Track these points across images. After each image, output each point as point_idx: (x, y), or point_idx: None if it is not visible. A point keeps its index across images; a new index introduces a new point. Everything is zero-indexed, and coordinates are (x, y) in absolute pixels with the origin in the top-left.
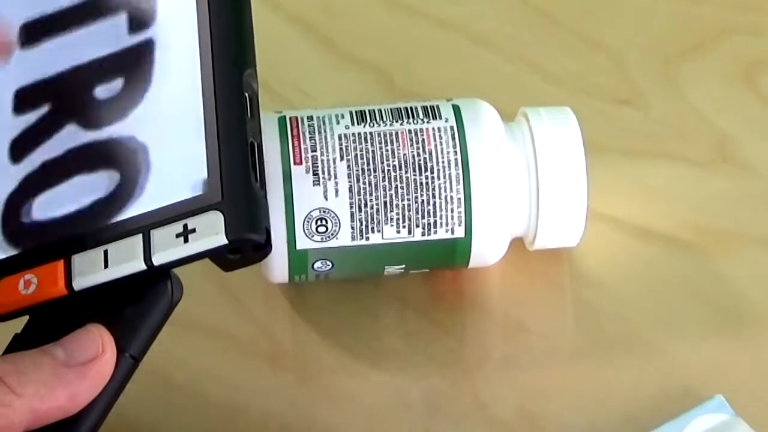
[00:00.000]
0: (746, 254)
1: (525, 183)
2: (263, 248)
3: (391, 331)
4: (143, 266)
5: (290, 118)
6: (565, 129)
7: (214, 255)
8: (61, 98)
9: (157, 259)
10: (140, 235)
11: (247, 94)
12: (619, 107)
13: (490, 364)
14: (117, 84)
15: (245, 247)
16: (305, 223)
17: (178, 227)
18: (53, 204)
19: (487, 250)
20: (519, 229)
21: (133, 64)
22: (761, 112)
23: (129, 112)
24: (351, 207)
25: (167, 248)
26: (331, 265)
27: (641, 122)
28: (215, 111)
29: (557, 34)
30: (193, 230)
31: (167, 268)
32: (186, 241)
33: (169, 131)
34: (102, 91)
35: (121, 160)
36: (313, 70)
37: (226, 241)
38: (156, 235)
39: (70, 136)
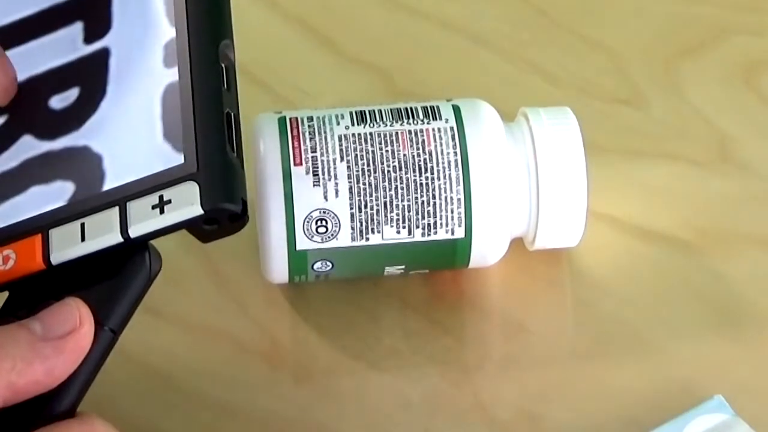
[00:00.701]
0: (746, 254)
1: (525, 183)
2: (240, 218)
3: (391, 331)
4: (120, 239)
5: (290, 119)
6: (565, 129)
7: (191, 226)
8: (17, 109)
9: (134, 231)
10: (116, 208)
11: (223, 65)
12: (619, 107)
13: (490, 364)
14: (72, 94)
15: (221, 217)
16: (305, 223)
17: (153, 199)
18: (10, 216)
19: (487, 251)
20: (519, 230)
21: (90, 72)
22: (761, 112)
23: (84, 121)
24: (351, 207)
25: (143, 220)
26: (331, 266)
27: (641, 122)
28: (190, 82)
29: (557, 34)
30: (169, 201)
31: (144, 240)
32: (162, 212)
33: (137, 117)
34: (57, 101)
35: (75, 171)
36: (313, 70)
37: (201, 212)
38: (132, 207)
39: (25, 148)
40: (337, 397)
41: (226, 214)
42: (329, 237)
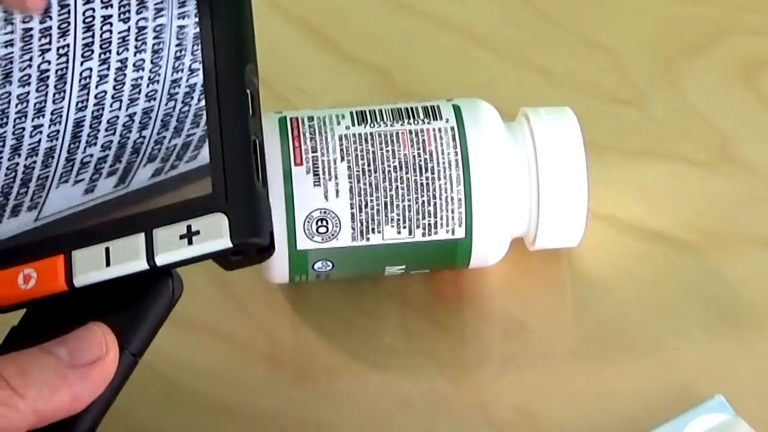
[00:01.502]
0: (746, 254)
1: (525, 183)
2: (267, 250)
3: (391, 331)
4: (146, 266)
5: (291, 119)
6: (566, 129)
7: (217, 256)
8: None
9: (160, 260)
10: (143, 234)
11: (249, 91)
12: (619, 107)
13: (491, 364)
14: None
15: (249, 249)
16: (306, 223)
17: (181, 228)
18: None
19: (487, 251)
20: (519, 230)
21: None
22: (761, 111)
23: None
24: (351, 207)
25: (171, 249)
26: (331, 266)
27: (641, 122)
28: (218, 109)
29: (557, 35)
30: (197, 232)
31: (169, 268)
32: (190, 243)
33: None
34: None
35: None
36: (314, 70)
37: (230, 245)
38: (159, 235)
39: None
40: (338, 397)
41: (254, 247)
42: (330, 237)
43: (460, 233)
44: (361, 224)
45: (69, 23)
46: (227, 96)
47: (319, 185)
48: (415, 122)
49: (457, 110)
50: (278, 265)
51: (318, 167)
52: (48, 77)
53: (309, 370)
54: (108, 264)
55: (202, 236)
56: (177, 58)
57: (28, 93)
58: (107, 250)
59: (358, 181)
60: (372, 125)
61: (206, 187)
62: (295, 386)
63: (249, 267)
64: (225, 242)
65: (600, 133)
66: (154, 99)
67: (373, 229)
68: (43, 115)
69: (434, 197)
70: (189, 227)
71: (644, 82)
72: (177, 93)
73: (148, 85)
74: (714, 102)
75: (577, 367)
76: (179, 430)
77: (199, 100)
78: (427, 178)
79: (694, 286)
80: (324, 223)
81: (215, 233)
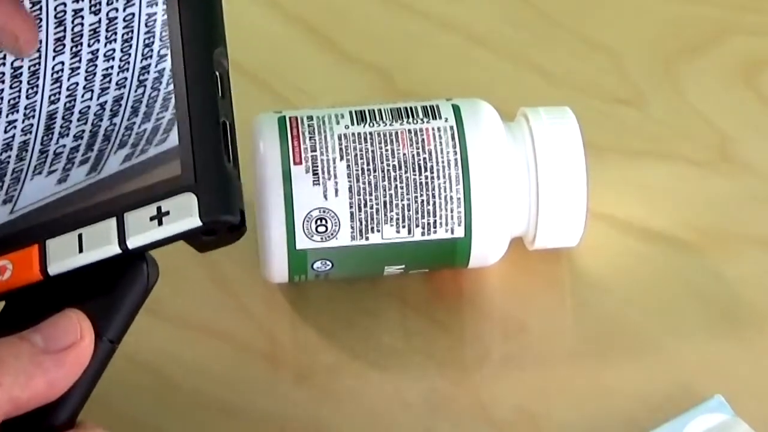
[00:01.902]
0: (746, 254)
1: (525, 183)
2: (238, 229)
3: (390, 330)
4: (118, 250)
5: (290, 118)
6: (565, 129)
7: (189, 237)
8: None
9: (132, 243)
10: (114, 219)
11: (217, 73)
12: (618, 107)
13: (490, 364)
14: None
15: (220, 228)
16: (305, 223)
17: (151, 210)
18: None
19: (486, 250)
20: (519, 229)
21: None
22: (761, 111)
23: None
24: (351, 207)
25: (142, 231)
26: (330, 265)
27: (641, 122)
28: (186, 91)
29: (557, 34)
30: (167, 213)
31: (142, 251)
32: (160, 223)
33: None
34: None
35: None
36: (313, 69)
37: (200, 223)
38: (130, 218)
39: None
40: (337, 397)
41: (224, 225)
42: (329, 236)
43: (459, 233)
44: (361, 223)
45: (41, 19)
46: (195, 78)
47: (319, 184)
48: (415, 122)
49: (456, 110)
50: (277, 265)
51: (317, 167)
52: (21, 74)
53: (308, 370)
54: (81, 250)
55: (172, 216)
56: (146, 45)
57: (1, 90)
58: (80, 236)
59: (358, 181)
60: (371, 125)
61: (176, 169)
62: (295, 385)
63: (249, 268)
64: (194, 221)
65: (600, 133)
66: (125, 87)
67: (372, 228)
68: (17, 111)
69: (433, 197)
70: (159, 208)
71: (644, 82)
72: (146, 79)
73: (118, 74)
74: (714, 102)
75: (576, 366)
76: (178, 429)
77: (167, 84)
78: (426, 178)
79: (694, 286)
80: (323, 222)
81: (185, 213)
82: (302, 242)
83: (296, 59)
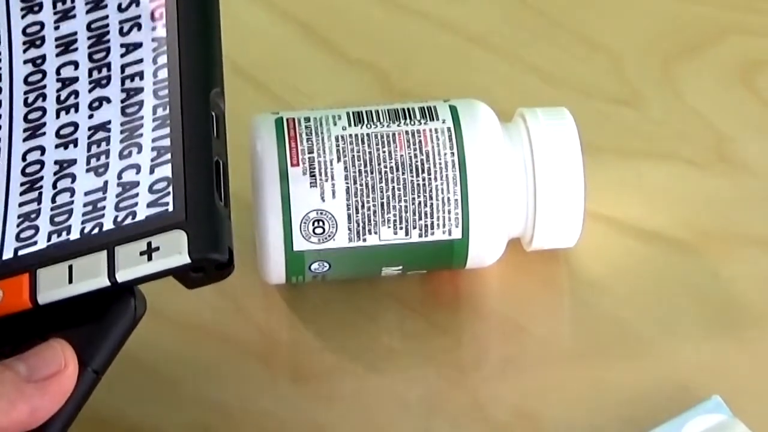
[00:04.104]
0: (743, 254)
1: (522, 184)
2: (226, 267)
3: (388, 331)
4: (107, 283)
5: (287, 119)
6: (562, 129)
7: (178, 273)
8: None
9: (121, 276)
10: (105, 252)
11: (213, 114)
12: (616, 107)
13: (488, 365)
14: None
15: (208, 266)
16: (302, 224)
17: (142, 245)
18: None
19: (484, 251)
20: (516, 230)
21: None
22: (759, 111)
23: None
24: (348, 208)
25: (131, 266)
26: (328, 267)
27: (639, 122)
28: (181, 130)
29: (555, 35)
30: (157, 248)
31: (131, 285)
32: (150, 259)
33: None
34: None
35: None
36: (310, 70)
37: (188, 260)
38: (120, 252)
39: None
40: (335, 398)
41: (212, 263)
42: (326, 238)
43: (456, 234)
44: (358, 225)
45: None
46: (191, 118)
47: (316, 186)
48: (412, 123)
49: (453, 111)
50: (275, 266)
51: (314, 168)
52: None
53: (306, 371)
54: (71, 281)
55: (162, 252)
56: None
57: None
58: (70, 267)
59: (355, 182)
60: (368, 126)
61: (167, 206)
62: (292, 387)
63: (248, 267)
64: (183, 258)
65: (598, 134)
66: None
67: (369, 230)
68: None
69: (431, 198)
70: (149, 244)
71: (642, 83)
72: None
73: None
74: (712, 102)
75: (574, 367)
76: (176, 429)
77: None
78: (423, 179)
79: (692, 287)
80: (320, 224)
81: (174, 249)
82: (299, 244)
83: (293, 60)
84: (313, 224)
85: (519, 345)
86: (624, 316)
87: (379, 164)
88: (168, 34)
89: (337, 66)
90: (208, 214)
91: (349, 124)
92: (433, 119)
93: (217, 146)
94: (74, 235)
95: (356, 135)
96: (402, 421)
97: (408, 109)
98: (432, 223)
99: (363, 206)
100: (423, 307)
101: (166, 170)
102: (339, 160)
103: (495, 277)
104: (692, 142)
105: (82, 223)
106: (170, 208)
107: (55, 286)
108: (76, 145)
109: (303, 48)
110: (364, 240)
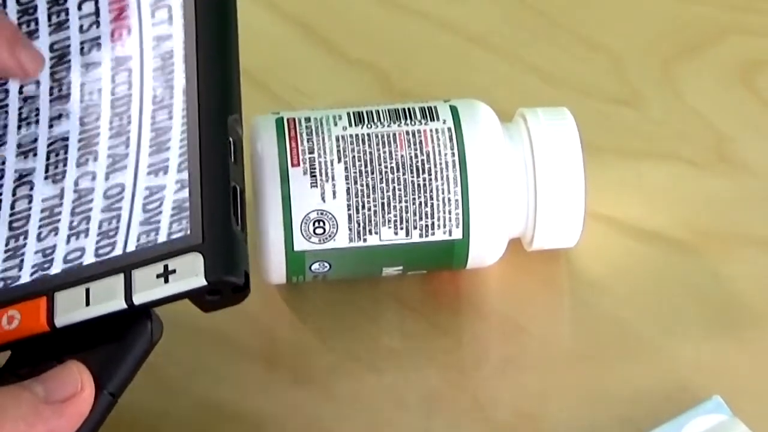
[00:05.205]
0: (743, 254)
1: (522, 184)
2: (242, 290)
3: (389, 332)
4: (124, 305)
5: (288, 119)
6: (563, 129)
7: (194, 296)
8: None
9: (138, 299)
10: (122, 275)
11: (231, 139)
12: (617, 108)
13: (489, 365)
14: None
15: (224, 288)
16: (303, 224)
17: (158, 268)
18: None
19: (484, 252)
20: (517, 230)
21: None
22: (759, 112)
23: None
24: (349, 209)
25: (148, 288)
26: (328, 267)
27: (639, 122)
28: (199, 155)
29: (555, 35)
30: (174, 271)
31: (148, 307)
32: (166, 281)
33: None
34: None
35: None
36: (311, 70)
37: (205, 283)
38: (137, 275)
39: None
40: (335, 398)
41: (229, 286)
42: (327, 238)
43: (457, 234)
44: (359, 225)
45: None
46: (210, 143)
47: (316, 186)
48: (412, 123)
49: (454, 111)
50: (276, 266)
51: (315, 168)
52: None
53: (306, 371)
54: (88, 304)
55: (178, 275)
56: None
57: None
58: (87, 290)
59: (355, 182)
60: (369, 126)
61: (185, 229)
62: (293, 387)
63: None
64: (200, 281)
65: (598, 134)
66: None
67: (370, 230)
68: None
69: (431, 198)
70: (166, 266)
71: (642, 83)
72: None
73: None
74: (712, 102)
75: (574, 367)
76: (176, 430)
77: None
78: (424, 179)
79: (692, 287)
80: (321, 224)
81: (191, 272)
82: (300, 244)
83: (294, 60)
84: (314, 224)
85: (519, 345)
86: (624, 316)
87: (379, 164)
88: (187, 60)
89: (337, 66)
90: (224, 237)
91: (350, 124)
92: (434, 119)
93: (235, 172)
94: (89, 257)
95: (357, 135)
96: (402, 421)
97: (408, 109)
98: (432, 223)
99: (363, 206)
100: (423, 307)
101: (183, 194)
102: (339, 160)
103: (495, 278)
104: (692, 142)
105: (97, 244)
106: (187, 231)
107: (72, 308)
108: (94, 179)
109: (303, 48)
110: (365, 240)
